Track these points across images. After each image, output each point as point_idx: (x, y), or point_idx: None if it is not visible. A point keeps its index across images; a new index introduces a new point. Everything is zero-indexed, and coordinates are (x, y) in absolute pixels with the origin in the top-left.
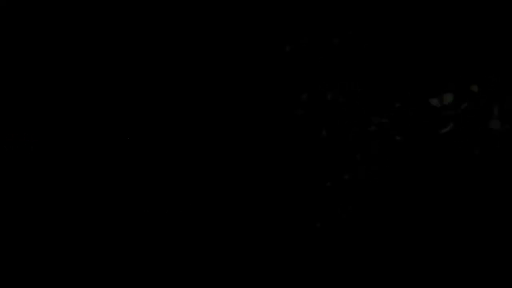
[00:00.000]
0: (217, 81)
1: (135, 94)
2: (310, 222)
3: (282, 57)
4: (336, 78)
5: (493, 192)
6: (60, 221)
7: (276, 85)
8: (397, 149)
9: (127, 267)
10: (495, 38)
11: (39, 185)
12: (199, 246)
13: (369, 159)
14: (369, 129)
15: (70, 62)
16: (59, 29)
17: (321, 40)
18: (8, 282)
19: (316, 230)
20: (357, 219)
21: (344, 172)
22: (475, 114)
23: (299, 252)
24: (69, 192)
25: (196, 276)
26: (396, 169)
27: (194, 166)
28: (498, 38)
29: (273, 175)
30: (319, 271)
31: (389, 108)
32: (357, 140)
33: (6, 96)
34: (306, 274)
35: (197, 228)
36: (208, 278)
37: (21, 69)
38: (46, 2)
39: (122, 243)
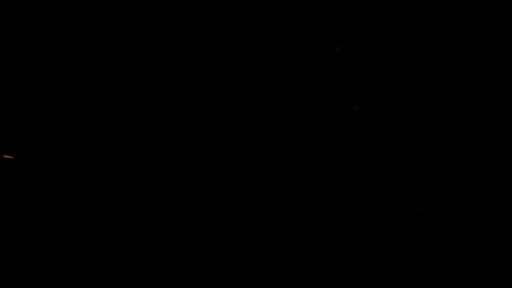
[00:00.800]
0: (211, 87)
1: (136, 94)
2: (310, 221)
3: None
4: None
5: None
6: (60, 221)
7: (278, 88)
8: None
9: (127, 268)
10: None
11: (39, 185)
12: (198, 245)
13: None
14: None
15: (70, 62)
16: (59, 29)
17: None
18: (8, 282)
19: (316, 229)
20: (357, 219)
21: (359, 190)
22: None
23: (298, 252)
24: (69, 193)
25: (194, 276)
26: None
27: (194, 172)
28: None
29: (273, 182)
30: (318, 271)
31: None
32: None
33: (6, 96)
34: (305, 274)
35: (197, 227)
36: (208, 278)
37: (21, 69)
38: (46, 2)
39: (122, 243)
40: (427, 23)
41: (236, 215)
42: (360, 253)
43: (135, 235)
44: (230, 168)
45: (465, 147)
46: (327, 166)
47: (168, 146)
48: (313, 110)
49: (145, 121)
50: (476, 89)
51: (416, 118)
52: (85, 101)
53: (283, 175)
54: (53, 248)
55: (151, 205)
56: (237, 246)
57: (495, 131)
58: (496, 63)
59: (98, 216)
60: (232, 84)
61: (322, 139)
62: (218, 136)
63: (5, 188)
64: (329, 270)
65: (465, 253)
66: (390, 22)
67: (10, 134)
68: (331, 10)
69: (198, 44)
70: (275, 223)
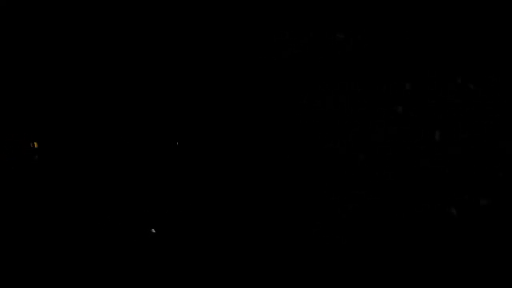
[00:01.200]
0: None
1: (135, 94)
2: (310, 221)
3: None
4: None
5: None
6: (61, 222)
7: (278, 88)
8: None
9: (128, 268)
10: None
11: (39, 186)
12: (197, 245)
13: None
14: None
15: (71, 62)
16: (59, 29)
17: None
18: (8, 282)
19: (316, 229)
20: (357, 219)
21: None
22: None
23: (298, 252)
24: (69, 193)
25: (194, 276)
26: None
27: (193, 172)
28: None
29: (271, 181)
30: (318, 271)
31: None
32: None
33: (6, 96)
34: (305, 274)
35: (196, 226)
36: (207, 277)
37: (21, 69)
38: (46, 2)
39: (122, 244)
40: (427, 23)
41: (235, 215)
42: (360, 253)
43: (134, 235)
44: (229, 167)
45: (465, 147)
46: (327, 166)
47: (167, 145)
48: (313, 110)
49: (145, 120)
50: (476, 89)
51: (416, 118)
52: (85, 102)
53: (282, 175)
54: (53, 249)
55: (150, 206)
56: (236, 246)
57: (495, 131)
58: (496, 63)
59: (98, 216)
60: (231, 84)
61: (322, 139)
62: (217, 136)
63: (4, 188)
64: (329, 270)
65: (465, 254)
66: (391, 22)
67: (10, 134)
68: (331, 10)
69: (197, 43)
70: (275, 223)
